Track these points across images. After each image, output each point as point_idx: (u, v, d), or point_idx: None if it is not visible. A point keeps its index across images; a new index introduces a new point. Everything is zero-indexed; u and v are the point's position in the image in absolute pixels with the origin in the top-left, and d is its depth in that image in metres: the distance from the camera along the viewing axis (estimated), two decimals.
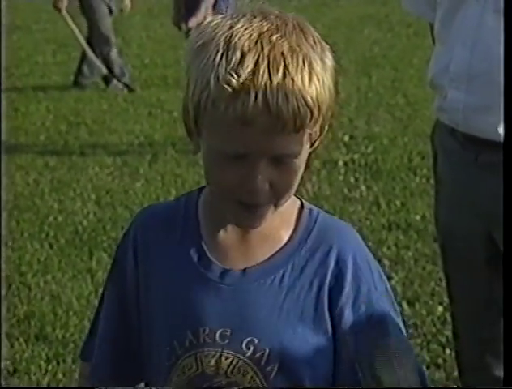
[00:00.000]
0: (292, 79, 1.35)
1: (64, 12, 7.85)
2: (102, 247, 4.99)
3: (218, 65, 1.35)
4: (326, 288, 1.51)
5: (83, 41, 7.89)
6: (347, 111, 7.28)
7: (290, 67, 1.35)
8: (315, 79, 1.38)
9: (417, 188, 5.69)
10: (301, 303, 1.52)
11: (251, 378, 1.51)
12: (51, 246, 5.07)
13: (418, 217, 5.19)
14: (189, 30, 6.49)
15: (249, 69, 1.34)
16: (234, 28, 1.38)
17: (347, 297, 1.52)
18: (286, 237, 1.54)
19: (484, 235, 2.56)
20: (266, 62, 1.34)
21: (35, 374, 3.74)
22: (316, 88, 1.38)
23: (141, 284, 1.59)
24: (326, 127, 1.49)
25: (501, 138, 2.42)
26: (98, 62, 8.46)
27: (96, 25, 8.66)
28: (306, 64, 1.38)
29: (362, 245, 1.58)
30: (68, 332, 4.07)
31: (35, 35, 11.33)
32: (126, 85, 8.49)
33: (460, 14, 2.47)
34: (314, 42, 1.42)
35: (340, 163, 6.13)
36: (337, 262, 1.52)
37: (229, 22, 1.40)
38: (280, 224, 1.54)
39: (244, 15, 1.41)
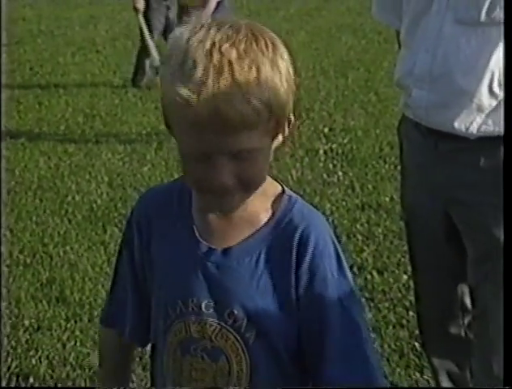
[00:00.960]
0: (239, 85, 1.32)
1: (141, 13, 7.71)
2: (114, 223, 5.00)
3: (175, 76, 1.34)
4: (293, 266, 1.50)
5: (150, 42, 7.73)
6: (327, 107, 7.29)
7: (236, 74, 1.32)
8: (263, 82, 1.35)
9: (386, 173, 5.71)
10: (274, 279, 1.50)
11: (233, 343, 1.52)
12: (69, 222, 5.08)
13: (387, 199, 5.20)
14: None
15: (197, 80, 1.31)
16: (190, 41, 1.36)
17: (302, 277, 1.49)
18: (264, 220, 1.53)
19: (441, 213, 2.57)
20: (213, 71, 1.32)
21: (56, 331, 3.76)
22: (263, 90, 1.35)
23: (145, 255, 1.60)
24: (291, 120, 1.48)
25: (457, 131, 2.43)
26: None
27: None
28: (253, 68, 1.34)
29: (328, 234, 1.54)
30: (84, 295, 4.09)
31: (56, 39, 11.27)
32: None
33: (423, 23, 2.47)
34: (266, 46, 1.38)
35: (321, 152, 6.14)
36: (299, 245, 1.50)
37: (187, 35, 1.37)
38: (260, 208, 1.53)
39: (202, 27, 1.38)
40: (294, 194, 1.57)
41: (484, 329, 2.59)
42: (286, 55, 1.42)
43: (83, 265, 4.44)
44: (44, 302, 4.04)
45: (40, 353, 3.58)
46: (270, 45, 1.38)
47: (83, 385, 3.36)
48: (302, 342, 1.52)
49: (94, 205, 5.33)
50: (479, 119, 2.41)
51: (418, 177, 2.62)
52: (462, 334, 2.78)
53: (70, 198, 5.46)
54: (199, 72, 1.32)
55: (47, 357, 3.56)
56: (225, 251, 1.52)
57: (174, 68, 1.35)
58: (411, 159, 2.66)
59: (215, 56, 1.33)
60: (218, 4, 6.47)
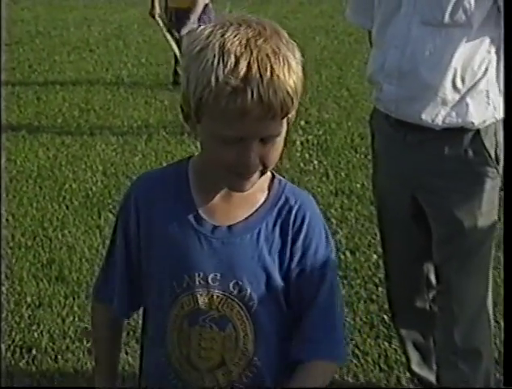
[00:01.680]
0: (278, 76, 1.36)
1: (157, 18, 7.63)
2: (108, 208, 4.97)
3: (216, 67, 1.35)
4: (289, 242, 1.54)
5: (173, 45, 7.66)
6: (303, 101, 7.20)
7: (275, 66, 1.36)
8: (292, 73, 1.40)
9: (358, 162, 5.71)
10: (273, 253, 1.54)
11: (238, 311, 1.54)
12: (67, 207, 5.05)
13: (358, 185, 5.21)
14: (181, 37, 6.44)
15: (243, 71, 1.34)
16: (226, 36, 1.37)
17: (297, 250, 1.55)
18: (261, 200, 1.56)
19: (409, 198, 2.59)
20: (256, 64, 1.35)
21: (56, 307, 3.75)
22: (294, 80, 1.40)
23: (142, 235, 1.59)
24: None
25: (424, 123, 2.44)
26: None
27: None
28: (286, 62, 1.39)
29: (317, 213, 1.60)
30: (82, 275, 4.08)
31: (53, 39, 11.17)
32: None
33: (392, 24, 2.47)
34: (287, 42, 1.43)
35: (297, 142, 6.13)
36: (294, 223, 1.55)
37: (220, 31, 1.39)
38: (257, 189, 1.55)
39: (231, 24, 1.40)
40: (283, 178, 1.63)
41: (448, 303, 2.61)
42: (297, 49, 1.47)
43: (80, 247, 4.43)
44: (45, 281, 4.02)
45: (41, 328, 3.57)
46: (289, 41, 1.44)
47: (81, 356, 3.36)
48: (292, 305, 1.56)
49: (89, 192, 5.30)
50: (443, 112, 2.42)
51: (388, 165, 2.63)
52: (427, 307, 2.80)
53: (67, 185, 5.43)
54: (243, 64, 1.35)
55: (48, 331, 3.55)
56: (229, 228, 1.54)
57: (212, 61, 1.36)
58: (382, 149, 2.67)
59: (254, 50, 1.36)
60: (205, 7, 6.46)
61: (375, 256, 4.09)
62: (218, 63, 1.35)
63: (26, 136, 6.54)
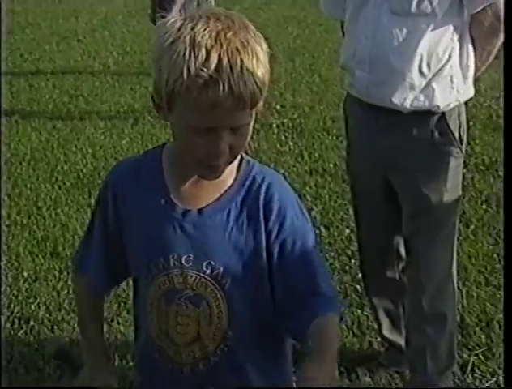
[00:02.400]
0: (247, 69, 1.34)
1: None
2: (98, 188, 4.89)
3: (188, 60, 1.32)
4: (261, 219, 1.51)
5: None
6: (278, 87, 7.22)
7: (244, 59, 1.34)
8: (260, 65, 1.37)
9: (330, 143, 5.69)
10: (244, 232, 1.51)
11: (211, 289, 1.52)
12: (59, 188, 5.01)
13: (331, 165, 5.20)
14: None
15: (214, 63, 1.31)
16: (196, 29, 1.34)
17: (274, 224, 1.50)
18: (230, 182, 1.52)
19: (381, 176, 2.60)
20: (226, 57, 1.32)
21: (51, 281, 3.73)
22: (262, 72, 1.38)
23: (123, 219, 1.57)
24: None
25: (393, 106, 2.44)
26: None
27: None
28: (254, 54, 1.36)
29: (286, 187, 1.57)
30: (75, 251, 4.06)
31: (43, 30, 11.04)
32: None
33: (362, 14, 2.47)
34: (255, 35, 1.39)
35: (274, 125, 6.11)
36: (265, 197, 1.51)
37: (190, 24, 1.35)
38: (226, 173, 1.51)
39: (200, 17, 1.37)
40: (251, 159, 1.58)
41: (416, 273, 2.63)
42: (264, 41, 1.42)
43: (72, 225, 4.39)
44: (40, 257, 3.99)
45: (38, 300, 3.55)
46: (256, 33, 1.40)
47: (75, 326, 3.34)
48: (275, 273, 1.51)
49: (80, 173, 5.24)
50: (411, 95, 2.43)
51: (361, 147, 2.64)
52: (397, 277, 2.82)
53: (59, 167, 5.37)
54: (214, 57, 1.32)
55: (44, 303, 3.53)
56: (200, 211, 1.51)
57: (184, 53, 1.33)
58: (355, 131, 2.67)
59: (224, 43, 1.33)
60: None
61: (347, 230, 4.09)
62: (189, 56, 1.32)
63: (19, 121, 6.46)
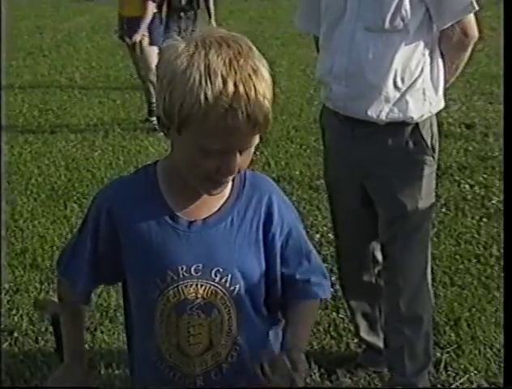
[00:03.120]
0: (260, 94, 1.32)
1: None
2: (73, 200, 4.84)
3: (205, 87, 1.29)
4: (261, 224, 1.52)
5: None
6: None
7: (257, 85, 1.32)
8: (268, 88, 1.36)
9: (294, 152, 5.69)
10: (247, 238, 1.51)
11: (221, 296, 1.50)
12: (35, 200, 4.90)
13: (297, 172, 5.20)
14: (133, 43, 6.28)
15: (231, 91, 1.29)
16: (209, 56, 1.31)
17: (276, 227, 1.53)
18: (228, 192, 1.52)
19: (358, 185, 2.58)
20: (242, 85, 1.30)
21: (32, 292, 3.64)
22: (270, 95, 1.36)
23: (120, 239, 1.51)
24: None
25: (369, 118, 2.43)
26: None
27: None
28: (263, 78, 1.34)
29: (277, 189, 1.60)
30: (54, 262, 3.93)
31: (8, 45, 10.84)
32: None
33: (338, 30, 2.45)
34: (259, 57, 1.37)
35: None
36: (267, 205, 1.53)
37: (203, 51, 1.31)
38: None
39: (211, 43, 1.33)
40: None
41: (393, 277, 2.62)
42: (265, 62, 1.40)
43: (50, 236, 4.29)
44: (20, 269, 3.89)
45: (20, 312, 3.45)
46: (260, 55, 1.38)
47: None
48: (277, 264, 1.57)
49: (55, 185, 5.15)
50: (386, 108, 2.41)
51: (338, 157, 2.62)
52: (373, 281, 2.80)
53: (33, 180, 5.27)
54: (230, 85, 1.30)
55: (27, 315, 3.43)
56: (204, 221, 1.50)
57: (200, 80, 1.29)
58: (332, 142, 2.65)
59: (238, 70, 1.31)
60: (153, 15, 6.31)
61: (318, 235, 4.08)
62: (206, 83, 1.29)
63: None
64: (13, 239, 4.28)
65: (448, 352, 3.07)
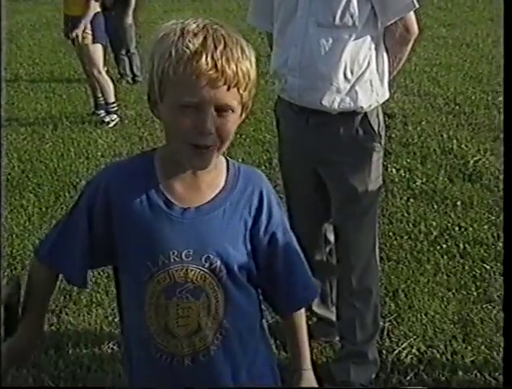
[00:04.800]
0: (231, 50, 1.30)
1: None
2: (28, 190, 4.64)
3: (176, 42, 1.28)
4: (251, 217, 1.46)
5: None
6: None
7: (229, 43, 1.31)
8: (245, 57, 1.33)
9: (235, 142, 5.62)
10: (237, 228, 1.45)
11: (210, 281, 1.44)
12: None
13: (240, 160, 5.13)
14: (75, 37, 6.05)
15: (200, 40, 1.28)
16: (186, 22, 1.31)
17: (263, 221, 1.47)
18: (222, 183, 1.46)
19: (311, 170, 2.54)
20: (211, 38, 1.29)
21: None
22: (247, 64, 1.33)
23: (114, 221, 1.44)
24: (249, 104, 1.40)
25: (323, 108, 2.38)
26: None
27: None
28: (239, 43, 1.33)
29: (268, 184, 1.53)
30: (14, 249, 3.77)
31: None
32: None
33: (291, 26, 2.40)
34: (240, 37, 1.35)
35: None
36: (258, 199, 1.47)
37: (181, 20, 1.32)
38: (217, 174, 1.46)
39: (191, 17, 1.33)
40: (235, 161, 1.52)
41: (346, 255, 2.59)
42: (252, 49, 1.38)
43: (8, 224, 4.09)
44: None
45: None
46: (242, 38, 1.35)
47: None
48: (262, 263, 1.50)
49: (9, 176, 4.91)
50: (338, 98, 2.38)
51: (293, 144, 2.57)
52: (324, 259, 2.77)
53: None
54: (200, 37, 1.29)
55: None
56: (197, 209, 1.43)
57: (173, 39, 1.29)
58: (287, 131, 2.60)
59: (210, 30, 1.30)
60: (96, 14, 6.10)
61: None
62: (178, 40, 1.29)
63: None
64: None
65: (390, 321, 3.07)
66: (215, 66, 1.27)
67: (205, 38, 1.28)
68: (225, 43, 1.30)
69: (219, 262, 1.43)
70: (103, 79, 6.24)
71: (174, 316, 1.44)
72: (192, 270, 1.42)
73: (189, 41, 1.27)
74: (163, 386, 1.50)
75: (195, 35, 1.28)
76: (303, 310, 1.63)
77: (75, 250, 1.47)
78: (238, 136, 5.67)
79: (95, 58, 6.10)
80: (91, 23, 6.07)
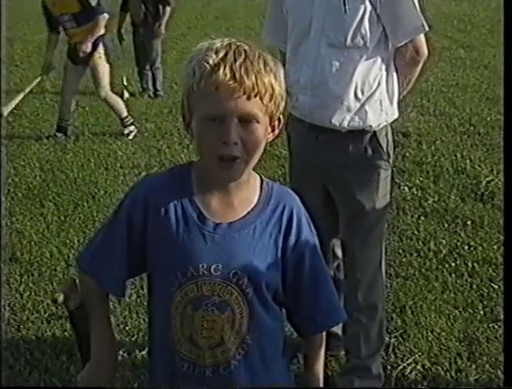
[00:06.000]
0: (251, 63, 1.32)
1: None
2: (48, 198, 4.71)
3: (200, 60, 1.32)
4: (281, 236, 1.47)
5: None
6: None
7: (250, 56, 1.33)
8: (269, 70, 1.34)
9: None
10: (266, 246, 1.45)
11: (236, 297, 1.44)
12: (12, 198, 4.75)
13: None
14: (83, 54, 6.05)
15: (220, 55, 1.31)
16: (211, 42, 1.35)
17: (291, 241, 1.47)
18: (255, 201, 1.46)
19: (320, 186, 2.55)
20: (232, 52, 1.32)
21: (13, 284, 3.52)
22: (271, 77, 1.34)
23: (149, 230, 1.45)
24: (280, 118, 1.43)
25: (333, 126, 2.41)
26: None
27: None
28: (261, 58, 1.35)
29: (300, 206, 1.53)
30: (32, 256, 3.84)
31: None
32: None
33: (303, 46, 2.43)
34: (266, 54, 1.38)
35: None
36: (288, 218, 1.48)
37: (208, 41, 1.36)
38: (250, 191, 1.47)
39: (219, 38, 1.36)
40: (269, 180, 1.53)
41: (353, 270, 2.60)
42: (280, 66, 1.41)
43: (27, 232, 4.16)
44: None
45: (3, 303, 3.33)
46: (272, 58, 1.39)
47: (40, 324, 3.15)
48: (288, 283, 1.50)
49: (30, 185, 5.00)
50: (348, 117, 2.40)
51: (303, 160, 2.58)
52: (332, 274, 2.78)
53: (10, 180, 5.10)
54: (222, 52, 1.32)
55: (9, 305, 3.32)
56: (229, 225, 1.44)
57: (198, 58, 1.33)
58: (297, 147, 2.62)
59: (233, 46, 1.34)
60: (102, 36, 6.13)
61: None
62: (202, 57, 1.32)
63: None
64: None
65: (395, 337, 3.07)
66: (234, 76, 1.30)
67: (226, 53, 1.32)
68: (246, 56, 1.32)
69: (246, 279, 1.43)
70: (110, 99, 6.20)
71: (199, 327, 1.45)
72: (219, 284, 1.43)
73: (211, 56, 1.31)
74: None
75: (217, 51, 1.31)
76: (323, 334, 1.62)
77: (114, 261, 1.48)
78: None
79: (104, 80, 6.07)
80: (104, 43, 6.10)
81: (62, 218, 4.37)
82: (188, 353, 1.47)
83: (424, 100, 7.33)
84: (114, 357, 1.56)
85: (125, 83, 7.73)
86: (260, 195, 1.47)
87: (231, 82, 1.30)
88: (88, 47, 5.96)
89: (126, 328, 3.09)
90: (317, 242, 1.54)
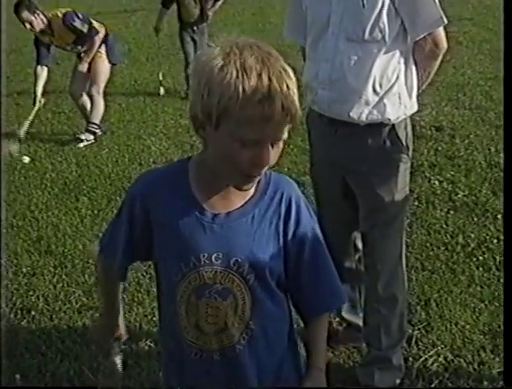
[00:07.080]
0: (293, 90, 1.32)
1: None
2: (83, 193, 4.84)
3: (242, 80, 1.28)
4: (281, 222, 1.49)
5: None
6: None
7: (288, 82, 1.32)
8: (295, 88, 1.35)
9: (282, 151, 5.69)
10: (266, 233, 1.48)
11: (237, 284, 1.48)
12: (49, 193, 4.90)
13: (285, 169, 5.16)
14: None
15: (266, 84, 1.29)
16: (244, 55, 1.30)
17: (290, 227, 1.50)
18: (252, 190, 1.49)
19: (340, 179, 2.58)
20: (275, 78, 1.30)
21: (47, 276, 3.65)
22: (297, 94, 1.35)
23: (154, 226, 1.50)
24: None
25: (351, 119, 2.43)
26: None
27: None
28: (291, 78, 1.34)
29: (298, 193, 1.54)
30: (66, 249, 3.96)
31: (25, 55, 10.75)
32: None
33: (322, 41, 2.45)
34: (284, 62, 1.37)
35: None
36: (286, 205, 1.50)
37: (237, 50, 1.31)
38: None
39: (244, 46, 1.32)
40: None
41: (373, 262, 2.62)
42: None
43: (62, 226, 4.29)
44: (36, 254, 3.89)
45: (37, 293, 3.46)
46: (284, 62, 1.38)
47: (72, 314, 3.25)
48: (290, 268, 1.52)
49: (67, 180, 5.14)
50: (366, 110, 2.41)
51: (323, 154, 2.61)
52: (354, 266, 2.81)
53: (47, 175, 5.26)
54: (265, 78, 1.29)
55: (43, 296, 3.44)
56: (227, 215, 1.48)
57: (237, 75, 1.29)
58: (317, 140, 2.65)
59: (270, 68, 1.31)
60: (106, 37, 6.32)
61: None
62: (242, 77, 1.28)
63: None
64: (29, 228, 4.27)
65: (419, 329, 3.08)
66: (283, 108, 1.30)
67: (269, 81, 1.29)
68: (287, 84, 1.32)
69: (247, 266, 1.47)
70: (98, 100, 6.27)
71: (204, 314, 1.49)
72: (221, 272, 1.47)
73: (257, 85, 1.29)
74: (195, 381, 1.56)
75: (259, 76, 1.29)
76: (326, 316, 1.64)
77: (119, 248, 1.56)
78: (286, 146, 5.74)
79: (99, 79, 6.23)
80: (106, 43, 6.23)
81: (96, 212, 4.48)
82: (195, 340, 1.52)
83: (459, 94, 7.24)
84: (118, 322, 1.75)
85: (160, 79, 7.84)
86: (258, 184, 1.49)
87: (281, 114, 1.30)
88: (85, 67, 6.23)
89: (154, 319, 3.16)
90: (317, 227, 1.55)
